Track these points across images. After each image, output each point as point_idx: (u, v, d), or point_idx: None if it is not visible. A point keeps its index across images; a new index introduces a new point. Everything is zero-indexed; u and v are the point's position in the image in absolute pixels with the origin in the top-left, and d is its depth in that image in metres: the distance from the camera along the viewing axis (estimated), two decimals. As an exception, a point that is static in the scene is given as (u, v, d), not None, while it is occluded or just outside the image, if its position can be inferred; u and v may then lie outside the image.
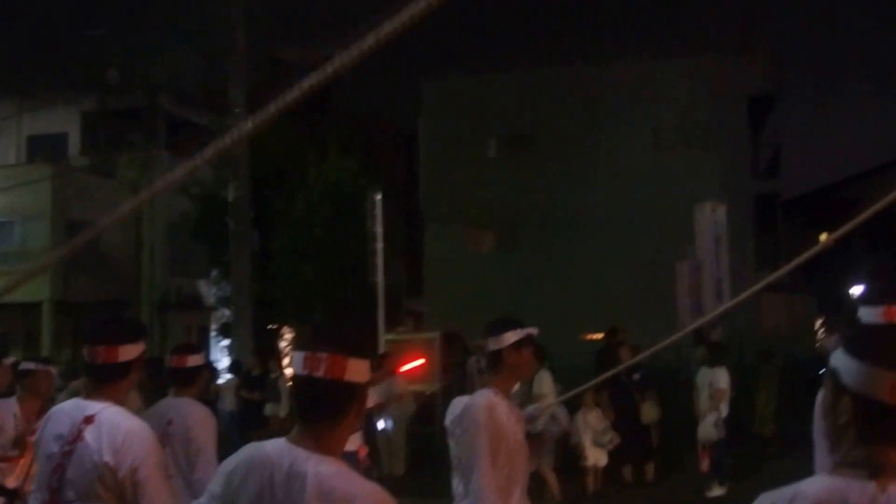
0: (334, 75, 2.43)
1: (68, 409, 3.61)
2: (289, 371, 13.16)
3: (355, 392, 2.45)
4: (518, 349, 4.33)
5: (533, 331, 4.43)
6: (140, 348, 3.69)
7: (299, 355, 2.44)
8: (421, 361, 14.84)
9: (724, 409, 12.06)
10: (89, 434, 3.43)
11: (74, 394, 9.98)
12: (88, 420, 3.46)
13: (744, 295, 5.54)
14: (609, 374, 8.32)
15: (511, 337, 4.32)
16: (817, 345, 16.31)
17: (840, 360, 2.02)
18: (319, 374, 2.39)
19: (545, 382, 11.82)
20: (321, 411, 2.43)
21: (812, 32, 79.34)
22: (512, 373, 4.38)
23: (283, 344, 23.12)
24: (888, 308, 3.70)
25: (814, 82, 75.49)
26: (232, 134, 3.13)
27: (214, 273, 24.44)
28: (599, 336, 27.83)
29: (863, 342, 2.04)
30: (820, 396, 2.31)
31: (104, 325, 3.80)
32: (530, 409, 8.69)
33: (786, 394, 15.33)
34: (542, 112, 29.96)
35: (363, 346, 2.53)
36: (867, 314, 3.78)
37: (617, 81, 29.70)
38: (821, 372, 13.99)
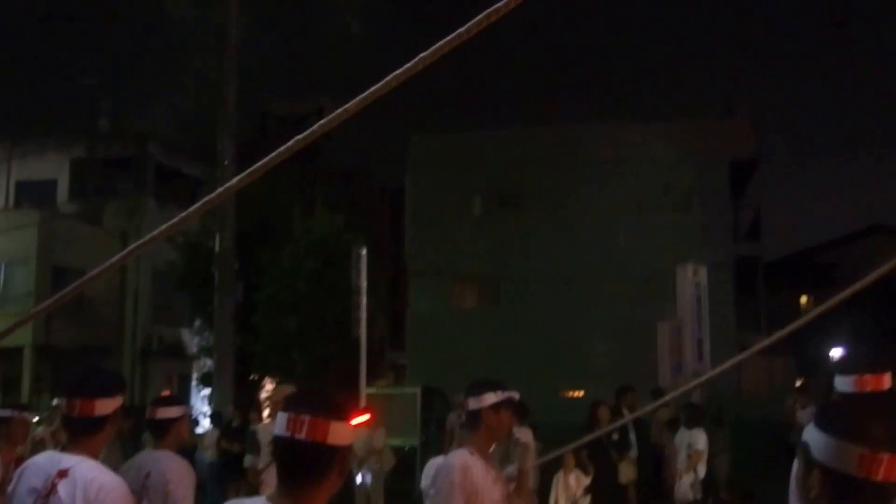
0: (321, 133, 2.56)
1: (42, 463, 3.58)
2: (266, 422, 13.14)
3: (337, 455, 2.46)
4: (497, 411, 4.34)
5: (514, 395, 4.43)
6: (117, 402, 3.67)
7: (282, 416, 2.46)
8: (366, 417, 14.71)
9: (702, 471, 12.12)
10: (63, 488, 3.41)
11: (38, 443, 9.91)
12: (62, 474, 3.45)
13: (731, 362, 5.60)
14: (590, 437, 8.43)
15: (491, 398, 4.33)
16: (790, 408, 16.35)
17: (810, 433, 2.08)
18: (301, 436, 2.40)
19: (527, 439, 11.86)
20: (302, 473, 2.45)
21: (793, 97, 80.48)
22: (490, 433, 4.39)
23: (263, 395, 23.06)
24: (859, 377, 3.78)
25: (794, 147, 76.48)
26: (219, 190, 3.24)
27: (198, 322, 24.42)
28: (580, 394, 28.02)
29: (831, 416, 2.09)
30: (794, 467, 2.39)
31: (82, 378, 3.76)
32: (510, 469, 8.74)
33: (763, 457, 15.40)
34: (527, 171, 30.29)
35: (346, 409, 2.53)
36: (841, 383, 3.87)
37: (602, 143, 30.09)
38: (790, 440, 14.13)
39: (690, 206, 29.67)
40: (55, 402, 8.39)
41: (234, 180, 2.96)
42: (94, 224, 28.50)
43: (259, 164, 2.78)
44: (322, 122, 2.53)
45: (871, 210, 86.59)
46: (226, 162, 19.89)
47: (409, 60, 2.25)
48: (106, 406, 3.60)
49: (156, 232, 3.18)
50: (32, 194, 29.87)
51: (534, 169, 30.25)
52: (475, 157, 30.80)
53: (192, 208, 3.11)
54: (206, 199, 3.01)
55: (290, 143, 2.58)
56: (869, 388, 3.72)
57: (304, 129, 2.58)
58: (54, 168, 30.73)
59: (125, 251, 3.21)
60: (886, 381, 3.76)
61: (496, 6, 2.15)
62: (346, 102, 2.38)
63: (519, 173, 30.38)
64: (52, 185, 30.61)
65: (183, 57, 22.77)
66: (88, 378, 3.77)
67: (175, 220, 3.10)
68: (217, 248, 20.41)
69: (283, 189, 22.95)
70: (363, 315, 17.99)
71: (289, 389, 8.22)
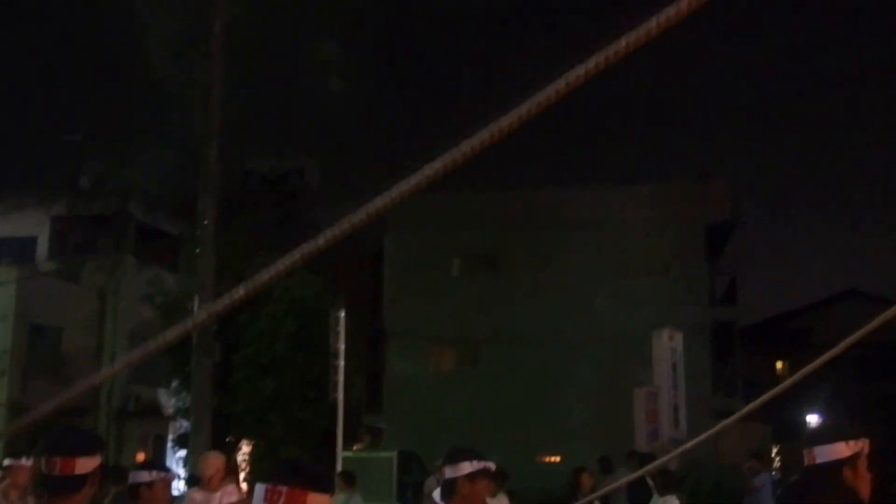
0: (325, 246, 2.63)
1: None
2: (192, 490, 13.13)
3: None
4: (472, 480, 4.38)
5: (490, 465, 4.49)
6: (97, 461, 3.66)
7: (260, 487, 2.49)
8: None
9: (675, 539, 12.15)
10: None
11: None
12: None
13: (708, 433, 5.68)
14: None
15: (466, 467, 4.37)
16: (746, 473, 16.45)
17: None
18: None
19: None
20: None
21: (768, 163, 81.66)
22: (465, 503, 4.43)
23: (239, 457, 22.95)
24: (810, 451, 3.87)
25: (770, 212, 77.46)
26: (224, 299, 3.31)
27: (175, 382, 24.32)
28: (556, 459, 27.95)
29: (786, 497, 2.23)
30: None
31: (62, 436, 3.74)
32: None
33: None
34: (506, 234, 30.48)
35: (324, 480, 2.56)
36: (804, 456, 3.95)
37: (579, 207, 30.38)
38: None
39: (668, 270, 29.88)
40: (7, 461, 8.43)
41: (241, 289, 3.01)
42: (72, 281, 28.44)
43: (265, 272, 2.80)
44: (326, 232, 2.57)
45: (847, 275, 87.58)
46: (206, 221, 19.99)
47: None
48: (86, 465, 3.59)
49: (150, 346, 3.22)
50: (12, 251, 29.80)
51: (512, 232, 30.46)
52: (454, 219, 30.98)
53: (196, 315, 3.12)
54: (211, 305, 3.07)
55: (295, 251, 2.59)
56: (819, 461, 3.77)
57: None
58: (34, 225, 30.70)
59: (117, 364, 3.24)
60: (840, 451, 3.80)
61: (499, 122, 2.15)
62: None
63: (498, 236, 30.57)
64: (31, 242, 30.57)
65: (165, 115, 22.93)
66: (68, 436, 3.76)
67: (179, 326, 3.13)
68: (196, 308, 20.44)
69: (263, 248, 23.06)
70: (341, 378, 18.07)
71: (216, 458, 8.23)
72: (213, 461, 8.05)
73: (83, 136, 31.08)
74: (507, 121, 2.09)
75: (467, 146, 2.15)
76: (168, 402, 26.76)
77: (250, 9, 20.77)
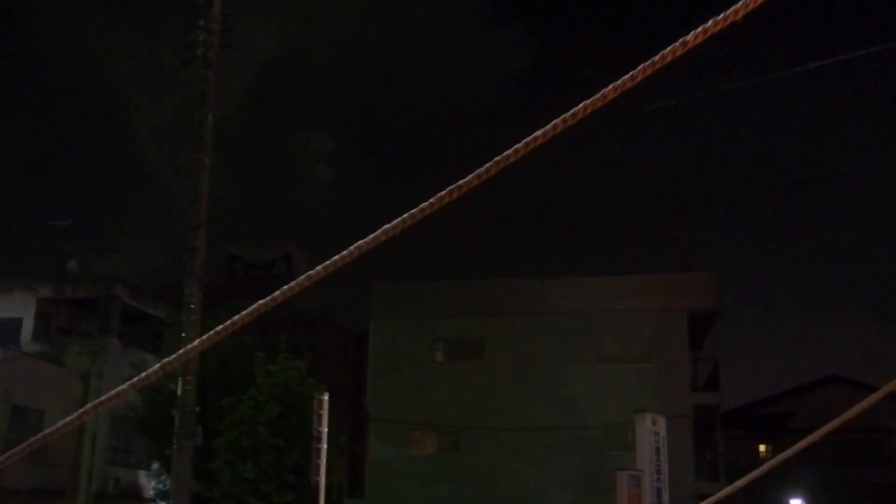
0: (283, 299, 2.83)
1: None
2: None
3: None
4: None
5: None
6: None
7: None
8: None
9: None
10: None
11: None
12: None
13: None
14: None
15: None
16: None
17: None
18: None
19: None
20: None
21: (750, 253, 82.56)
22: None
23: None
24: None
25: (752, 300, 78.13)
26: (180, 354, 3.51)
27: (155, 465, 24.24)
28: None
29: None
30: None
31: None
32: None
33: None
34: (489, 321, 30.66)
35: None
36: None
37: (564, 296, 30.65)
38: None
39: (650, 357, 30.07)
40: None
41: (197, 343, 3.22)
42: (56, 364, 28.43)
43: (222, 325, 3.00)
44: (285, 288, 2.78)
45: (828, 361, 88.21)
46: (192, 306, 20.13)
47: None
48: None
49: (117, 390, 3.38)
50: (-2, 333, 29.83)
51: (496, 319, 30.66)
52: (438, 306, 31.21)
53: (154, 370, 3.30)
54: (166, 360, 3.24)
55: (253, 307, 2.80)
56: None
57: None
58: (20, 307, 30.79)
59: (84, 408, 3.36)
60: None
61: (459, 183, 2.40)
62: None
63: (481, 323, 30.74)
64: (17, 323, 30.61)
65: (153, 201, 23.31)
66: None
67: (127, 384, 3.30)
68: (179, 391, 20.48)
69: (247, 333, 23.20)
70: (323, 461, 18.10)
71: None
72: None
73: (71, 220, 31.44)
74: (466, 181, 2.29)
75: (427, 204, 2.35)
76: (148, 484, 26.61)
77: (242, 101, 21.31)
